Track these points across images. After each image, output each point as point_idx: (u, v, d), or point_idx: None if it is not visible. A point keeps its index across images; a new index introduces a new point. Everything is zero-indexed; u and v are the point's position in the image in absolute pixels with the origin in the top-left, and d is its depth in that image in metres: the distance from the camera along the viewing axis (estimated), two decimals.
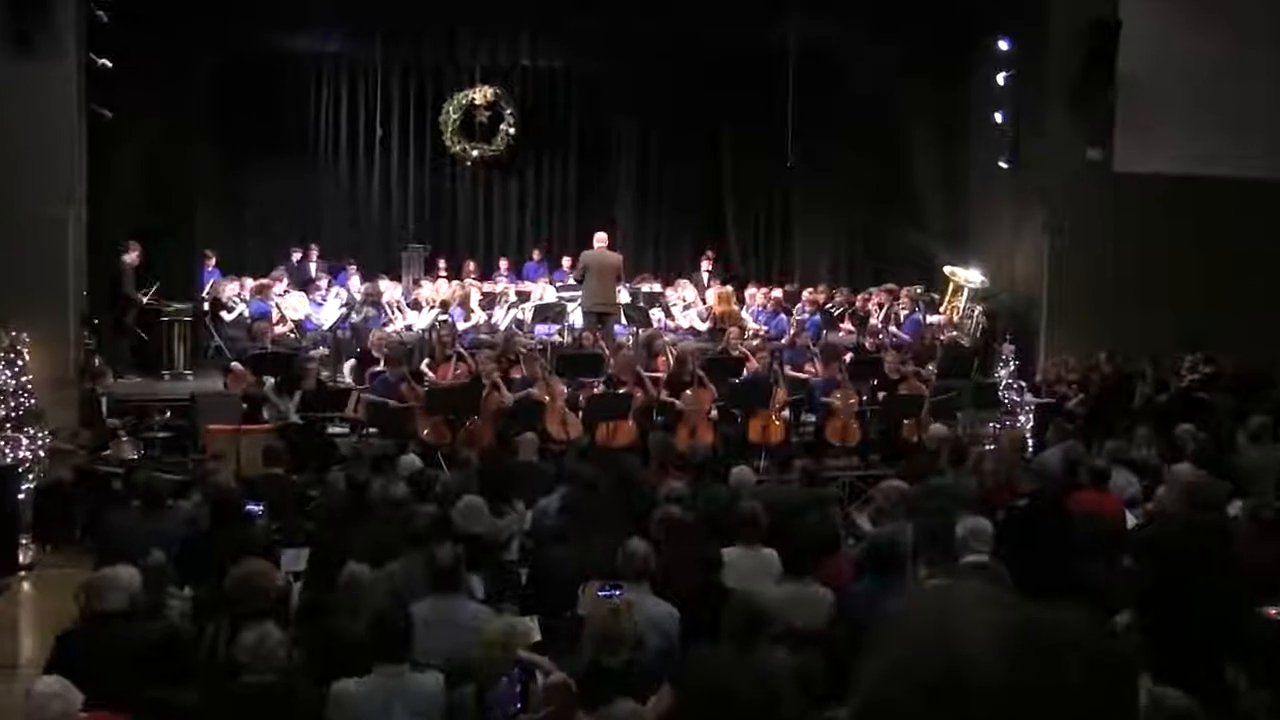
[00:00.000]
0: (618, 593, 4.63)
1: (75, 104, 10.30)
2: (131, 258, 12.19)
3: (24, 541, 8.46)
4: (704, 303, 14.24)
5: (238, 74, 14.59)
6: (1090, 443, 8.74)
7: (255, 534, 6.24)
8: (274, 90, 15.57)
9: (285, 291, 13.42)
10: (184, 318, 12.36)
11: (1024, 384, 12.14)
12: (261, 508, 6.58)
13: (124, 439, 9.66)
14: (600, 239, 12.74)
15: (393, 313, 13.11)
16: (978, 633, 1.05)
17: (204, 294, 13.26)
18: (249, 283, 13.39)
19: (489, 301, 13.72)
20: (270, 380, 10.07)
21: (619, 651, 3.95)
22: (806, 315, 13.51)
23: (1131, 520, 6.75)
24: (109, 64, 10.82)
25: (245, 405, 9.77)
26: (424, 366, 11.04)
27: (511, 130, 16.35)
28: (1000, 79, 13.52)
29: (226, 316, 12.79)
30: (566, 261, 15.52)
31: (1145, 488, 7.44)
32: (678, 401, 10.37)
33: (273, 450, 7.98)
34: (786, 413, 11.00)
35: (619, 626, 4.00)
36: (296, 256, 15.14)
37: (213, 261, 14.02)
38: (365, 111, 16.17)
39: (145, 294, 12.20)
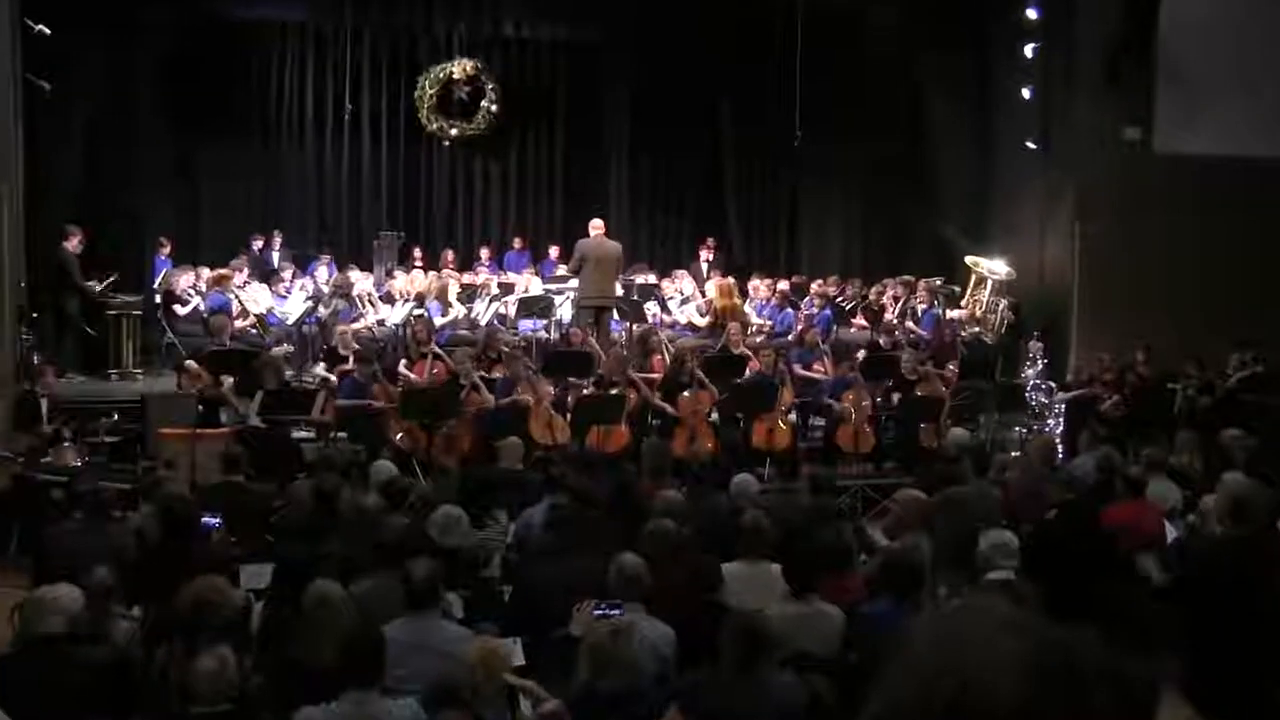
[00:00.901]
0: (617, 612, 4.62)
1: (9, 74, 10.24)
2: (73, 244, 12.15)
3: None
4: (703, 296, 14.21)
5: (192, 42, 14.55)
6: (1126, 449, 8.76)
7: (211, 548, 6.22)
8: (232, 61, 15.52)
9: (245, 283, 13.37)
10: (134, 311, 12.32)
11: (1053, 385, 12.15)
12: (218, 520, 6.56)
13: (66, 444, 9.61)
14: (597, 226, 12.71)
15: (363, 306, 13.08)
16: (999, 659, 1.05)
17: (156, 285, 13.22)
18: (205, 273, 13.35)
19: (469, 294, 13.70)
20: (229, 380, 10.05)
21: (617, 676, 3.94)
22: (815, 309, 13.51)
23: (1172, 535, 6.75)
24: (47, 30, 10.75)
25: (201, 407, 9.75)
26: (400, 366, 11.02)
27: (494, 107, 16.32)
28: (1028, 50, 13.52)
29: (180, 310, 12.75)
30: (554, 251, 15.52)
31: (1187, 499, 7.44)
32: (669, 407, 10.36)
33: (231, 456, 7.95)
34: (793, 416, 10.98)
35: (618, 650, 3.99)
36: (258, 245, 15.09)
37: (166, 249, 13.98)
38: (333, 86, 16.12)
39: (101, 285, 12.15)
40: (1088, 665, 1.06)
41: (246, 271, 13.74)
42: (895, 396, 11.06)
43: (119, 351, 12.18)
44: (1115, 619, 5.13)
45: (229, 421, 9.80)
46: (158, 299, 12.96)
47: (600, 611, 4.65)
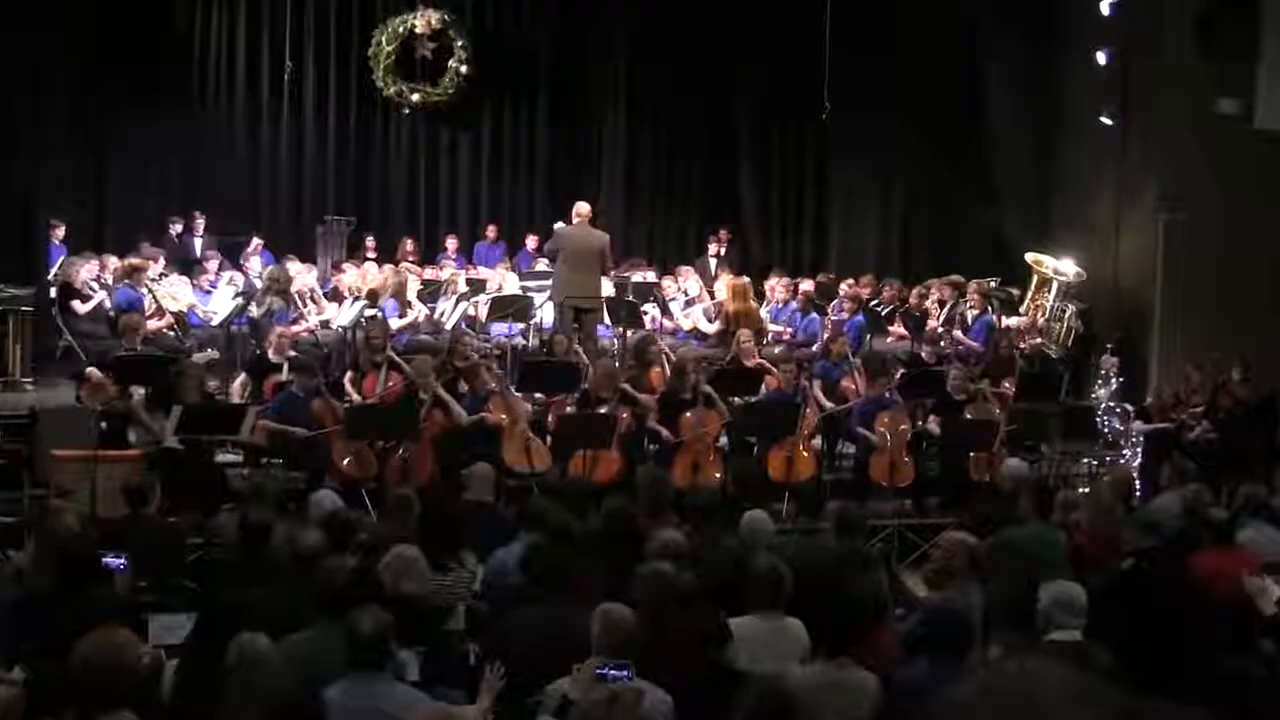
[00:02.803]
0: (623, 675, 4.61)
1: None
2: None
3: None
4: (711, 297, 14.23)
5: None
6: (1219, 487, 8.74)
7: (114, 596, 6.18)
8: (148, 9, 15.55)
9: (161, 275, 13.36)
10: (22, 308, 12.27)
11: (1130, 407, 12.15)
12: (123, 561, 6.53)
13: None
14: (580, 211, 12.73)
15: (304, 305, 13.07)
16: None
17: (50, 276, 13.19)
18: (112, 262, 13.33)
19: (431, 292, 13.71)
20: (139, 392, 10.01)
21: None
22: (845, 315, 13.51)
23: (1276, 591, 6.75)
24: None
25: (105, 424, 9.69)
26: (347, 377, 11.00)
27: (463, 69, 16.34)
28: (1104, 6, 13.56)
29: (81, 307, 12.73)
30: (532, 242, 15.53)
31: None
32: (669, 430, 10.34)
33: (140, 485, 7.92)
34: (817, 442, 10.96)
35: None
36: (177, 229, 15.08)
37: (61, 232, 13.96)
38: (270, 41, 16.14)
39: None
40: None
41: (162, 261, 13.72)
42: (939, 420, 11.04)
43: (3, 356, 12.14)
44: (1204, 691, 5.12)
45: (139, 442, 9.76)
46: (53, 293, 12.93)
47: (602, 671, 4.64)
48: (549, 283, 13.03)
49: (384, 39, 16.18)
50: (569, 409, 10.54)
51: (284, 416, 10.01)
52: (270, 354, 11.05)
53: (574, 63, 16.93)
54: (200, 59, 16.06)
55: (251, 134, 16.37)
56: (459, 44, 16.30)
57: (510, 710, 5.08)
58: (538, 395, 10.93)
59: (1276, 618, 6.25)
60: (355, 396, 10.62)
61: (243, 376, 11.12)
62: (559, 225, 12.76)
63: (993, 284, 14.13)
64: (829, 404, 11.37)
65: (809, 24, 14.78)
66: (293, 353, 10.98)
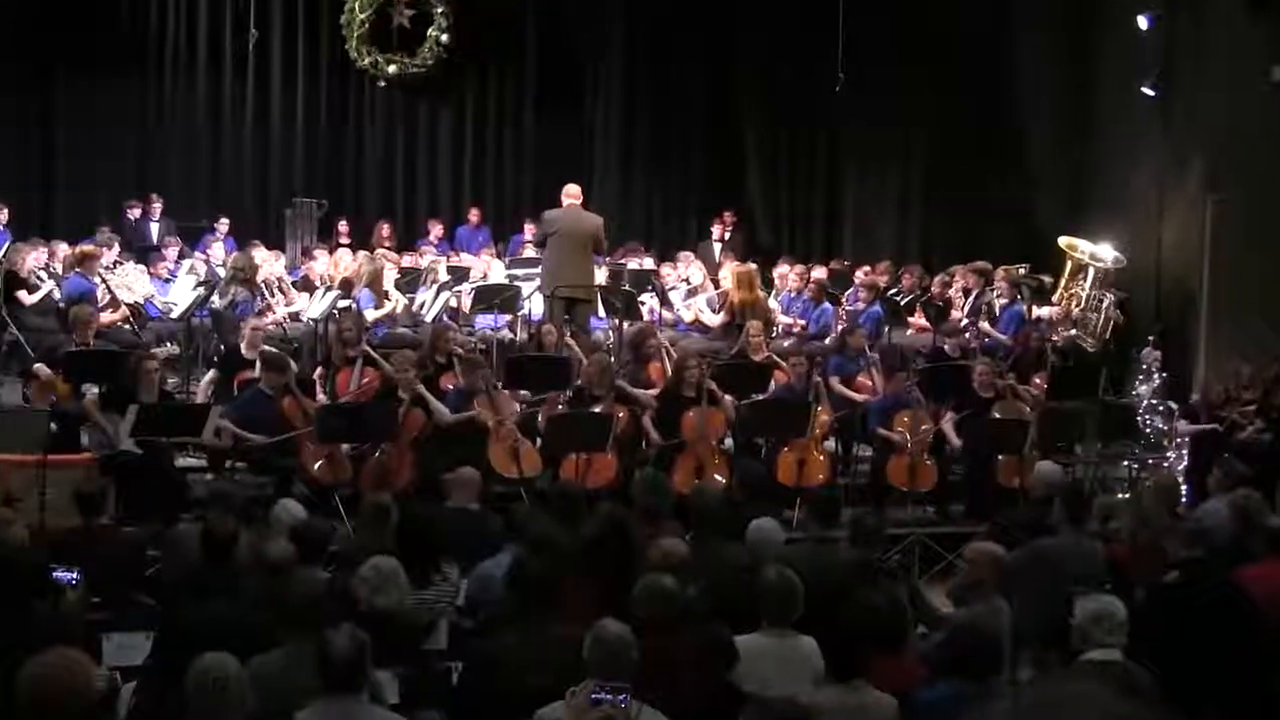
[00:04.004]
0: (622, 698, 4.61)
1: None
2: None
3: None
4: (715, 286, 14.23)
5: None
6: (1273, 492, 8.73)
7: (64, 614, 6.17)
8: None
9: (116, 263, 13.35)
10: None
11: (1174, 405, 12.15)
12: (75, 575, 6.51)
13: None
14: (571, 193, 12.72)
15: (272, 295, 13.07)
16: None
17: None
18: (62, 249, 13.32)
19: (411, 281, 13.70)
20: (93, 391, 10.00)
21: None
22: (861, 305, 13.53)
23: None
24: None
25: (55, 426, 9.69)
26: (318, 374, 11.00)
27: (444, 37, 16.34)
28: None
29: (28, 298, 12.70)
30: (529, 230, 15.47)
31: None
32: (670, 430, 10.35)
33: (93, 492, 7.92)
34: (831, 443, 10.96)
35: None
36: (133, 213, 15.08)
37: (4, 216, 13.96)
38: (232, 7, 16.13)
39: None
40: None
41: (117, 248, 13.71)
42: (965, 419, 11.04)
43: None
44: (1255, 717, 5.13)
45: (92, 445, 9.76)
46: None
47: (598, 695, 4.63)
48: (537, 271, 13.01)
49: (357, 5, 16.20)
50: (560, 408, 10.53)
51: (248, 416, 10.00)
52: (243, 349, 11.02)
53: (564, 29, 16.90)
54: (158, 28, 16.03)
55: (213, 109, 16.37)
56: (439, 10, 16.32)
57: None
58: (525, 393, 10.92)
59: None
60: (323, 397, 10.61)
61: (211, 373, 11.11)
62: (548, 211, 12.72)
63: (1022, 271, 14.13)
64: (856, 395, 11.40)
65: None
66: (261, 347, 10.95)
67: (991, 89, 15.46)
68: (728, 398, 10.55)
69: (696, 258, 15.02)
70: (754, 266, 13.96)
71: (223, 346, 11.92)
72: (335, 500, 9.48)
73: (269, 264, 13.55)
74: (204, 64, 16.18)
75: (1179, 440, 11.78)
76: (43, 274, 12.92)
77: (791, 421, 10.54)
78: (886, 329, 13.24)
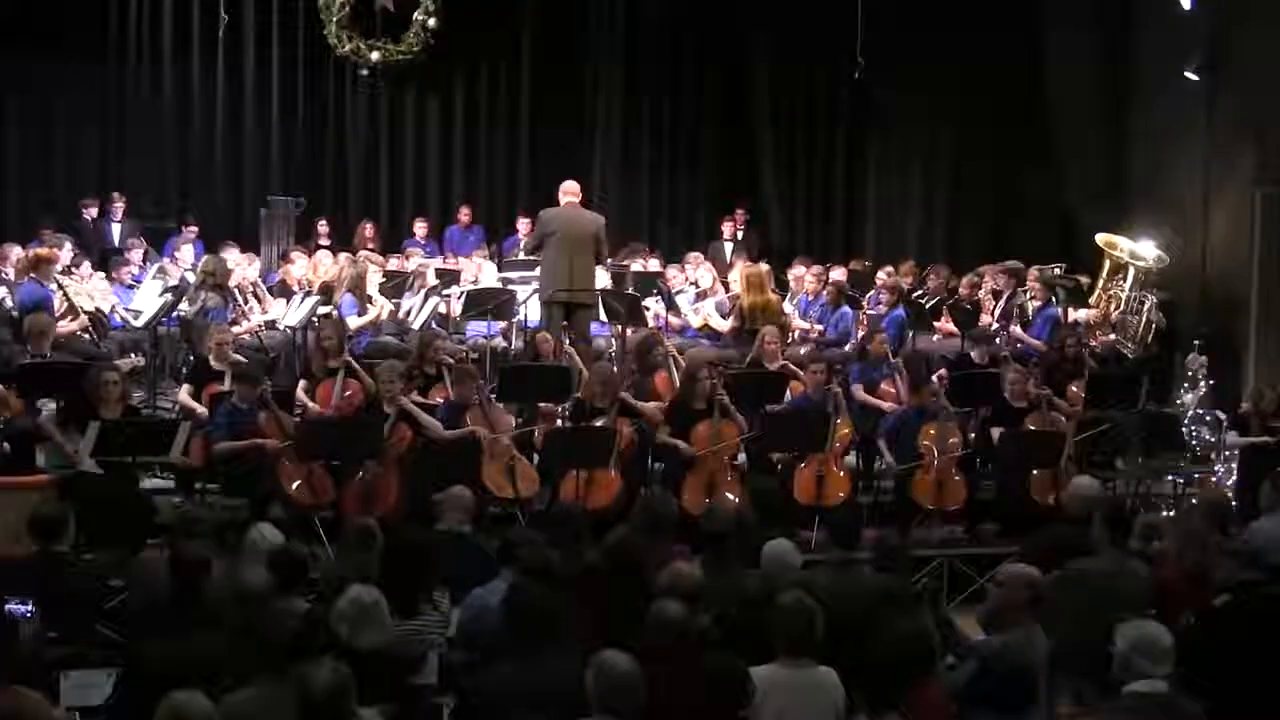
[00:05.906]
0: None
1: None
2: None
3: None
4: (726, 289, 14.22)
5: None
6: None
7: (18, 650, 6.15)
8: None
9: (70, 268, 13.33)
10: None
11: (1222, 416, 12.11)
12: (30, 607, 6.50)
13: None
14: (569, 191, 12.71)
15: (246, 302, 13.06)
16: None
17: None
18: (15, 253, 13.30)
19: (396, 286, 13.69)
20: (50, 406, 10.00)
21: None
22: (883, 308, 13.51)
23: None
24: None
25: (8, 445, 9.69)
26: (299, 387, 10.98)
27: (431, 22, 16.35)
28: None
29: None
30: (523, 227, 15.43)
31: None
32: (679, 444, 10.33)
33: (50, 516, 7.88)
34: (852, 458, 10.94)
35: None
36: (91, 213, 15.08)
37: None
38: None
39: None
40: None
41: (69, 249, 13.67)
42: (996, 431, 11.02)
43: None
44: None
45: (49, 465, 9.74)
46: None
47: None
48: (533, 274, 12.99)
49: None
50: (559, 422, 10.52)
51: (224, 433, 9.97)
52: (211, 360, 10.99)
53: (562, 13, 16.89)
54: (119, 11, 16.00)
55: (180, 100, 16.34)
56: None
57: None
58: (520, 407, 10.90)
59: None
60: (310, 406, 10.59)
61: (187, 387, 11.10)
62: (544, 211, 12.68)
63: (1057, 271, 14.11)
64: (882, 404, 11.43)
65: None
66: (234, 358, 10.93)
67: (1023, 76, 15.44)
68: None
69: (705, 260, 15.01)
70: (765, 267, 13.96)
71: (192, 357, 11.88)
72: (316, 524, 9.44)
73: (243, 268, 13.54)
74: (169, 50, 16.14)
75: (1227, 453, 11.74)
76: None
77: (809, 434, 10.52)
78: (911, 334, 13.23)
